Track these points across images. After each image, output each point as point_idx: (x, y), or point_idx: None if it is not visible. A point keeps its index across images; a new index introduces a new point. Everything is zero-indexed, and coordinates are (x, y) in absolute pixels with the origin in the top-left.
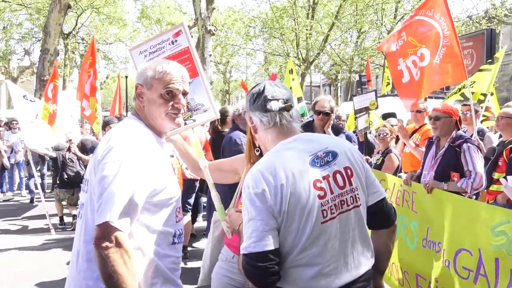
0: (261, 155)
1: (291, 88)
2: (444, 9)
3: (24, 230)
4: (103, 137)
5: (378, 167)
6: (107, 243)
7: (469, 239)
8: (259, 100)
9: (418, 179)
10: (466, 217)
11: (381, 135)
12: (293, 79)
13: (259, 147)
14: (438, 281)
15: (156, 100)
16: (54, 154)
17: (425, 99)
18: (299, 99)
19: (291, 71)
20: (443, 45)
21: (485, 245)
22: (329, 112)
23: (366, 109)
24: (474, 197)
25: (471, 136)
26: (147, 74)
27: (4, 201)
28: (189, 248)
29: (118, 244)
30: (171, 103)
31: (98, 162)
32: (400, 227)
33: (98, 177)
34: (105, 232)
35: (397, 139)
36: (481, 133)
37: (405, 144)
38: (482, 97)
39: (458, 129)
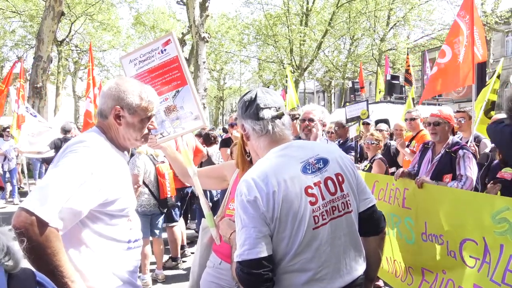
0: (251, 161)
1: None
2: (469, 7)
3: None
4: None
5: None
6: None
7: (472, 228)
8: (251, 108)
9: (409, 176)
10: (465, 208)
11: (369, 143)
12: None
13: (249, 153)
14: (446, 272)
15: (136, 125)
16: (44, 150)
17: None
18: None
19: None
20: (464, 46)
21: (488, 233)
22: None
23: (358, 118)
24: None
25: (467, 142)
26: (131, 100)
27: None
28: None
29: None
30: (147, 125)
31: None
32: (394, 225)
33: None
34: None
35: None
36: (477, 140)
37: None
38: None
39: (454, 135)
